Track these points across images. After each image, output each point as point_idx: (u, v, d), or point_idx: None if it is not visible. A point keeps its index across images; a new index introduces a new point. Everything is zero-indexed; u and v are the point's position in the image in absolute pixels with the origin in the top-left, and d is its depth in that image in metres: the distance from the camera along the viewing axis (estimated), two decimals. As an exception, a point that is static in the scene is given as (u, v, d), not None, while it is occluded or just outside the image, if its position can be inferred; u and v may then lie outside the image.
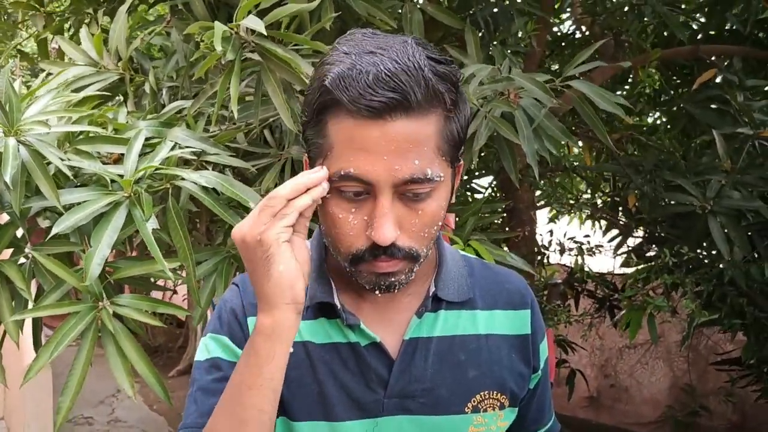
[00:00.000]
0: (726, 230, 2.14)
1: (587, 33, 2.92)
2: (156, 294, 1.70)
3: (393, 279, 0.73)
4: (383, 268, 0.72)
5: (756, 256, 2.23)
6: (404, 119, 0.67)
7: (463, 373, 0.83)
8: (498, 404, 0.84)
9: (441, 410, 0.81)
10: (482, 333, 0.85)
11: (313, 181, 0.69)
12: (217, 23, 1.33)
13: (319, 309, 0.81)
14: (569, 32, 3.20)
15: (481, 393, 0.83)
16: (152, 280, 1.62)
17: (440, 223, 0.75)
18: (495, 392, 0.84)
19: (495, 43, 2.11)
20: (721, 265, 2.26)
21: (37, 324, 1.44)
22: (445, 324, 0.84)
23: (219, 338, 0.82)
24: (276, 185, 1.67)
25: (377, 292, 0.75)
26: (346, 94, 0.66)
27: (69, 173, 1.23)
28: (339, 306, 0.80)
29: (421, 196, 0.70)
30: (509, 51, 2.10)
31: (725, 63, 2.57)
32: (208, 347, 0.82)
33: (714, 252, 2.31)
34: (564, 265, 3.19)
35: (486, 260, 0.96)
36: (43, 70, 1.90)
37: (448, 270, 0.85)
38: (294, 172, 1.72)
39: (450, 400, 0.82)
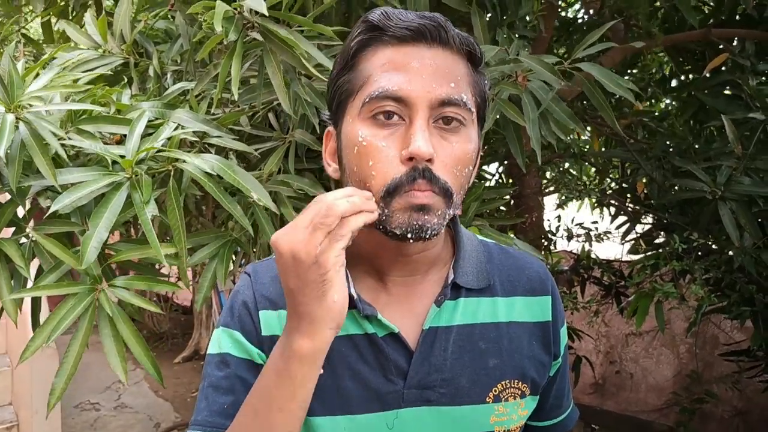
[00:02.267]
0: (736, 216, 2.11)
1: (595, 17, 2.88)
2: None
3: (426, 217, 0.70)
4: (420, 198, 0.69)
5: (766, 242, 2.20)
6: (441, 49, 0.72)
7: (483, 362, 0.81)
8: (519, 393, 0.83)
9: (462, 400, 0.80)
10: (502, 321, 0.84)
11: (368, 205, 0.67)
12: (219, 2, 1.31)
13: None
14: (577, 17, 3.15)
15: (502, 382, 0.82)
16: (153, 265, 1.61)
17: (471, 169, 0.74)
18: (516, 381, 0.83)
19: (502, 27, 2.08)
20: (730, 252, 2.24)
21: (36, 305, 1.44)
22: (464, 312, 0.82)
23: (230, 332, 0.81)
24: (280, 170, 1.66)
25: (409, 235, 0.70)
26: (389, 22, 0.71)
27: (63, 153, 1.22)
28: (356, 296, 0.77)
29: (454, 125, 0.71)
30: (517, 35, 2.07)
31: (737, 47, 2.53)
32: (219, 341, 0.81)
33: (724, 238, 2.28)
34: (570, 251, 3.17)
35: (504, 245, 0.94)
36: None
37: (467, 256, 0.84)
38: (297, 157, 1.70)
39: (471, 389, 0.80)
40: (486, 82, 0.78)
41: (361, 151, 0.71)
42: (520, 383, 0.83)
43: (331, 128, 0.80)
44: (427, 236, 0.71)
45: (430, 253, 0.81)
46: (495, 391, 0.81)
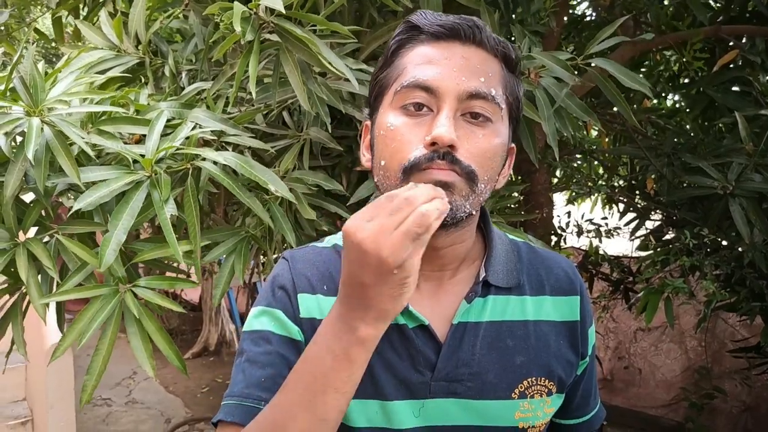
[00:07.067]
0: (747, 213, 2.12)
1: (605, 15, 2.88)
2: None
3: (448, 194, 0.70)
4: (440, 175, 0.70)
5: (776, 238, 2.21)
6: (474, 48, 0.75)
7: (510, 359, 0.82)
8: (545, 390, 0.84)
9: (487, 395, 0.81)
10: (530, 319, 0.85)
11: (446, 206, 0.66)
12: (236, 3, 1.32)
13: None
14: (586, 14, 3.15)
15: (528, 379, 0.83)
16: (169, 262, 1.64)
17: (498, 164, 0.76)
18: (542, 378, 0.84)
19: (513, 23, 2.08)
20: (740, 248, 2.24)
21: (61, 305, 1.47)
22: (493, 309, 0.83)
23: (272, 311, 0.82)
24: (295, 167, 1.67)
25: None
26: (427, 20, 0.75)
27: (91, 152, 1.24)
28: None
29: (481, 119, 0.73)
30: (528, 31, 2.07)
31: (747, 44, 2.52)
32: (260, 320, 0.83)
33: (734, 234, 2.29)
34: (578, 248, 3.17)
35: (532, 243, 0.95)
36: (56, 55, 1.92)
37: (498, 254, 0.85)
38: (312, 154, 1.72)
39: (497, 385, 0.81)
40: (520, 85, 0.80)
41: (387, 135, 0.74)
42: (546, 381, 0.84)
43: (368, 122, 0.84)
44: (450, 218, 0.71)
45: (460, 248, 0.82)
46: (521, 387, 0.82)
